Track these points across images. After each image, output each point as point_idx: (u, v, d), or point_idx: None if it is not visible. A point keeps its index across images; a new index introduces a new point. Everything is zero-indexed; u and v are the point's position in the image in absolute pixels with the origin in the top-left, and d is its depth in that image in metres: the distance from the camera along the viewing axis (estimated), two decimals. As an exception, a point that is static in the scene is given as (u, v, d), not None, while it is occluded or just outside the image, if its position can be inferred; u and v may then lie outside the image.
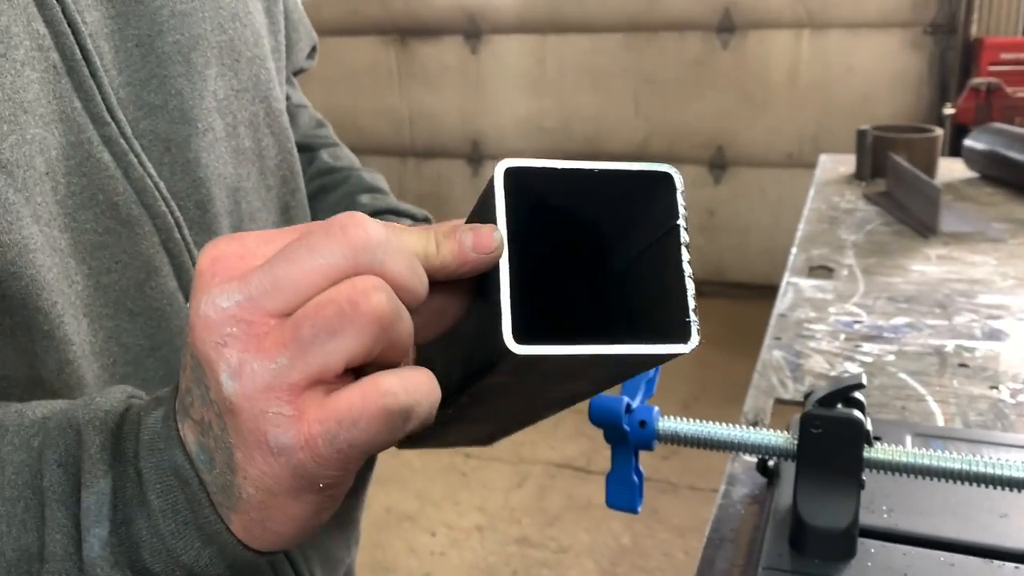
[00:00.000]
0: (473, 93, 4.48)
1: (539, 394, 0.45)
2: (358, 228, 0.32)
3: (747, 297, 4.16)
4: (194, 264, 0.53)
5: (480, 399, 0.43)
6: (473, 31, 4.36)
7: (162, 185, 0.52)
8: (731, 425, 0.60)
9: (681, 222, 0.36)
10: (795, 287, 1.29)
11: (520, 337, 0.33)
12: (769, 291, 1.30)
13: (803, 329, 1.13)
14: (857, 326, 1.14)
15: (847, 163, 2.13)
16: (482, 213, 0.37)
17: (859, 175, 1.99)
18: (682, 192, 0.37)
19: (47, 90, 0.46)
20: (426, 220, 0.74)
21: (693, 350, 0.35)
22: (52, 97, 0.46)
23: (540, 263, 0.40)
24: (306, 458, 0.32)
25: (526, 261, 0.38)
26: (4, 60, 0.43)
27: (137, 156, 0.50)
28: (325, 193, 0.76)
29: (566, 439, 3.04)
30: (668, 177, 0.36)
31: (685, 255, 0.36)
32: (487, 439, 0.61)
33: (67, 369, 0.46)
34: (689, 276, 0.35)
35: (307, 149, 0.80)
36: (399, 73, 4.58)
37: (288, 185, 0.66)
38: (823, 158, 2.28)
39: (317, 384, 0.31)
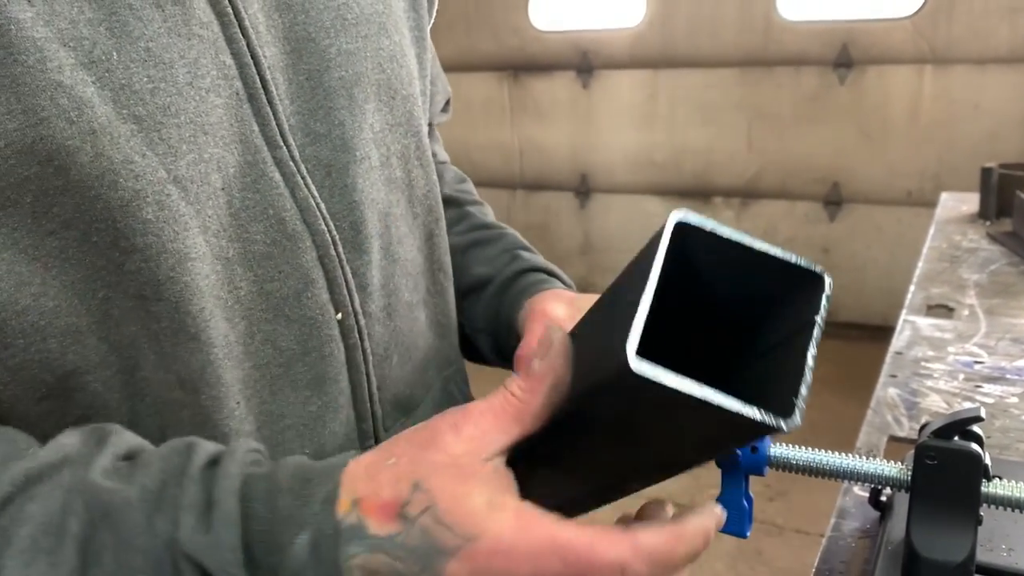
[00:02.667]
0: (583, 127, 4.53)
1: (634, 448, 0.44)
2: None
3: (862, 338, 4.03)
4: (346, 279, 0.58)
5: (582, 431, 0.44)
6: (585, 66, 4.42)
7: (322, 205, 0.57)
8: (843, 454, 0.61)
9: (819, 320, 0.38)
10: (912, 325, 1.27)
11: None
12: (885, 332, 1.27)
13: (920, 368, 1.11)
14: (978, 366, 1.10)
15: (970, 202, 2.06)
16: (641, 258, 0.40)
17: (983, 214, 1.93)
18: (828, 296, 0.39)
19: (230, 114, 0.52)
20: (569, 285, 0.80)
21: (792, 429, 0.37)
22: (234, 121, 0.52)
23: (678, 320, 0.42)
24: None
25: (664, 315, 0.39)
26: (190, 88, 0.49)
27: (303, 178, 0.56)
28: (481, 246, 0.83)
29: (669, 475, 3.00)
30: (819, 278, 0.39)
31: (812, 351, 0.38)
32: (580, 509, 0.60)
33: (208, 370, 0.51)
34: (810, 369, 0.38)
35: (454, 203, 0.86)
36: (511, 107, 4.68)
37: (433, 214, 0.71)
38: (944, 196, 2.21)
39: None
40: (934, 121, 3.82)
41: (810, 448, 0.61)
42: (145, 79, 0.47)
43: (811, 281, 0.39)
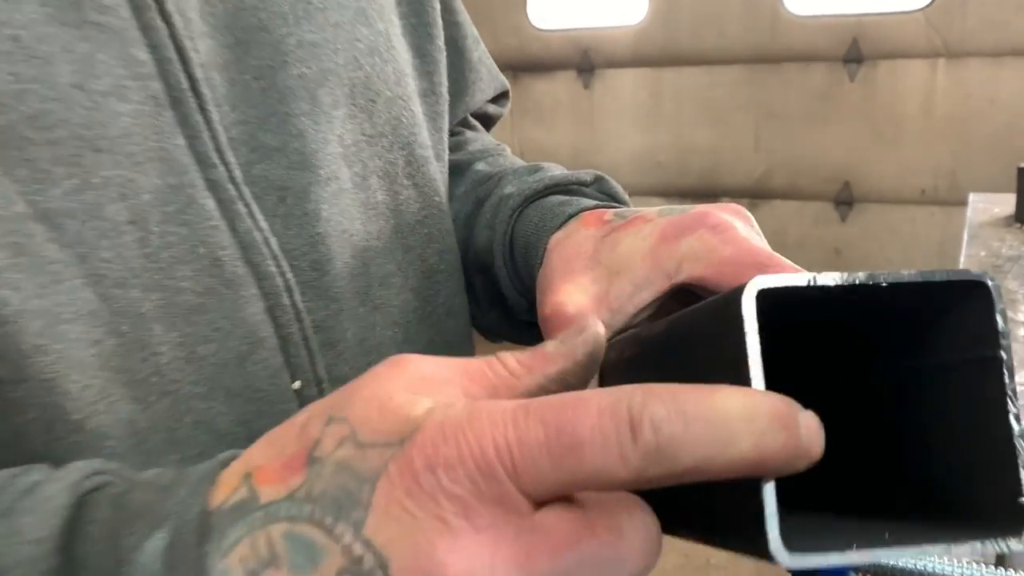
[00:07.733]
0: (586, 128, 4.44)
1: None
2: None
3: (876, 342, 3.93)
4: (304, 336, 0.45)
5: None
6: (586, 66, 4.33)
7: (273, 241, 0.44)
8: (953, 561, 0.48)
9: (1002, 354, 0.25)
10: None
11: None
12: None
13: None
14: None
15: (1002, 203, 1.94)
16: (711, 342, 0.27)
17: (1020, 217, 1.81)
18: (1001, 310, 0.26)
19: (142, 124, 0.39)
20: (598, 180, 0.64)
21: None
22: (149, 133, 0.39)
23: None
24: None
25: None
26: (78, 91, 0.37)
27: (247, 205, 0.43)
28: (480, 205, 0.62)
29: None
30: (980, 286, 0.26)
31: (1012, 407, 0.24)
32: None
33: None
34: (1020, 436, 0.24)
35: (463, 167, 0.67)
36: (512, 109, 4.57)
37: (434, 245, 0.56)
38: (973, 198, 2.10)
39: None
40: (948, 117, 3.72)
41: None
42: (10, 79, 0.35)
43: (971, 297, 0.26)
